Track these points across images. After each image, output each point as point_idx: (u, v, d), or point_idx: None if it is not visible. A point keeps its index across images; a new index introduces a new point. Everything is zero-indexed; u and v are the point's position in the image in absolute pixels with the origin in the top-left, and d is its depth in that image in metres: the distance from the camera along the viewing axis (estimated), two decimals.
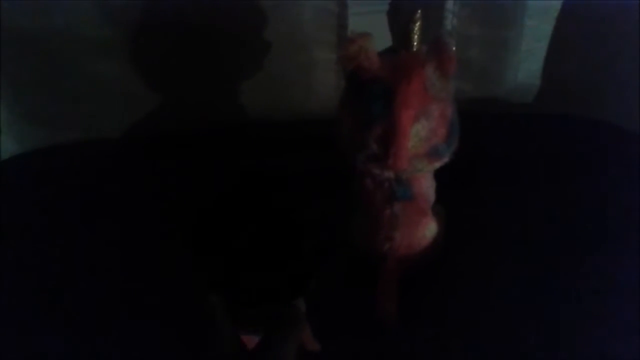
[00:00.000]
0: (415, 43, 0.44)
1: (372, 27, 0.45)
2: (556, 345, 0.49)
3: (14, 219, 0.59)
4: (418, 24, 0.44)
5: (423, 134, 0.44)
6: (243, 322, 0.38)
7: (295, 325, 0.38)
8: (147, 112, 0.66)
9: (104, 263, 0.55)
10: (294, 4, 0.60)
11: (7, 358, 0.49)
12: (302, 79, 0.65)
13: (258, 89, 0.64)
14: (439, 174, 0.48)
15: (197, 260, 0.41)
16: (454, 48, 0.42)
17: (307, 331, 0.43)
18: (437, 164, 0.46)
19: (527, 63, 0.66)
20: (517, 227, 0.57)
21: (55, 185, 0.62)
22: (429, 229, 0.51)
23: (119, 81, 0.63)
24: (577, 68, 0.66)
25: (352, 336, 0.49)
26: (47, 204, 0.60)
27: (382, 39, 0.47)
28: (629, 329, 0.49)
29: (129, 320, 0.51)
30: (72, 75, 0.63)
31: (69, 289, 0.53)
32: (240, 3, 0.59)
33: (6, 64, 0.61)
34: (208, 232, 0.42)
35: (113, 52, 0.62)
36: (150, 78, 0.64)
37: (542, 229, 0.57)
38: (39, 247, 0.57)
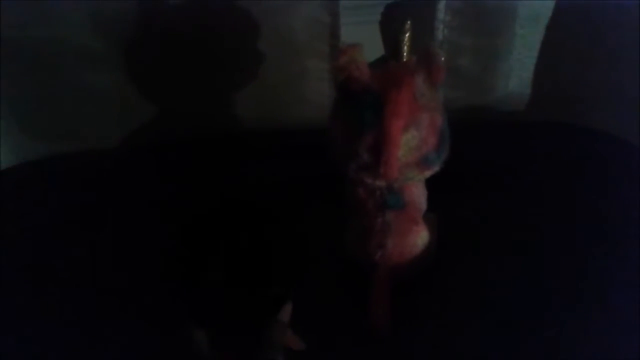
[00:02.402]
0: (405, 53, 0.45)
1: (364, 37, 0.46)
2: (556, 346, 0.49)
3: (12, 229, 0.59)
4: (408, 34, 0.44)
5: (413, 143, 0.44)
6: (230, 346, 0.39)
7: (279, 343, 0.39)
8: (141, 122, 0.66)
9: (102, 271, 0.55)
10: (286, 15, 0.60)
11: (6, 358, 0.50)
12: (295, 88, 0.65)
13: (251, 99, 0.65)
14: (430, 183, 0.49)
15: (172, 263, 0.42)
16: (443, 58, 0.43)
17: (290, 333, 0.43)
18: (428, 173, 0.46)
19: (518, 71, 0.67)
20: (510, 234, 0.57)
21: (52, 195, 0.63)
22: (421, 237, 0.51)
23: (112, 91, 0.64)
24: (567, 76, 0.66)
25: (344, 344, 0.49)
26: (44, 213, 0.61)
27: (374, 49, 0.47)
28: (629, 329, 0.49)
29: (125, 326, 0.51)
30: (67, 86, 0.63)
31: (67, 295, 0.54)
32: (233, 13, 0.60)
33: (2, 75, 0.61)
34: (187, 235, 0.43)
35: (107, 63, 0.62)
36: (144, 88, 0.64)
37: (534, 235, 0.57)
38: (37, 257, 0.57)
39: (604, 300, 0.52)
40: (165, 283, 0.53)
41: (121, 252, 0.57)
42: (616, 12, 0.62)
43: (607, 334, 0.49)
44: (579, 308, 0.51)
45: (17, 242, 0.58)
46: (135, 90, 0.64)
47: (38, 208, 0.61)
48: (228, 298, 0.43)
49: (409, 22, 0.44)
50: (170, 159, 0.65)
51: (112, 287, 0.54)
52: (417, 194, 0.49)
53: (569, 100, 0.67)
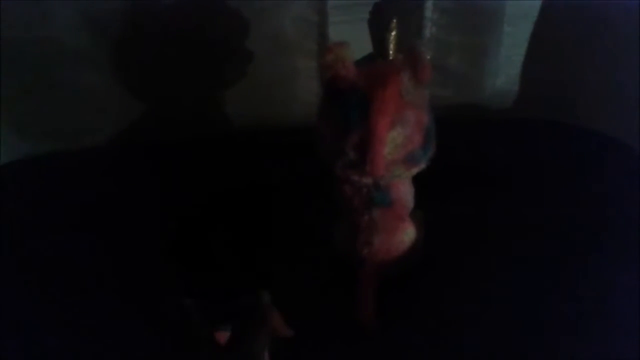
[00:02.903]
0: (391, 51, 0.45)
1: (353, 35, 0.46)
2: (556, 346, 0.49)
3: (9, 227, 0.59)
4: (394, 33, 0.45)
5: (399, 141, 0.44)
6: (213, 318, 0.40)
7: (263, 318, 0.40)
8: (132, 122, 0.67)
9: (101, 269, 0.56)
10: (274, 14, 0.61)
11: (7, 358, 0.50)
12: (284, 87, 0.66)
13: (240, 98, 0.65)
14: (418, 181, 0.49)
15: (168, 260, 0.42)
16: (428, 57, 0.43)
17: (278, 318, 0.44)
18: (414, 170, 0.47)
19: (506, 69, 0.67)
20: (498, 230, 0.57)
21: (50, 194, 0.63)
22: (407, 234, 0.52)
23: (104, 91, 0.64)
24: (554, 73, 0.67)
25: (330, 340, 0.49)
26: (42, 212, 0.61)
27: (363, 47, 0.48)
28: (629, 329, 0.49)
29: (125, 325, 0.51)
30: (66, 86, 0.63)
31: (65, 294, 0.54)
32: (223, 13, 0.60)
33: (2, 75, 0.61)
34: (182, 233, 0.43)
35: (104, 63, 0.62)
36: (136, 88, 0.64)
37: (523, 232, 0.57)
38: (35, 255, 0.57)
39: (603, 301, 0.52)
40: (165, 282, 0.53)
41: (119, 251, 0.57)
42: (615, 12, 0.62)
43: (607, 335, 0.50)
44: (578, 308, 0.51)
45: (14, 239, 0.58)
46: (124, 91, 0.64)
47: (36, 206, 0.61)
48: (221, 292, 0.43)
49: (394, 20, 0.44)
50: (164, 158, 0.65)
51: (111, 286, 0.54)
52: (404, 192, 0.49)
53: (557, 98, 0.68)
